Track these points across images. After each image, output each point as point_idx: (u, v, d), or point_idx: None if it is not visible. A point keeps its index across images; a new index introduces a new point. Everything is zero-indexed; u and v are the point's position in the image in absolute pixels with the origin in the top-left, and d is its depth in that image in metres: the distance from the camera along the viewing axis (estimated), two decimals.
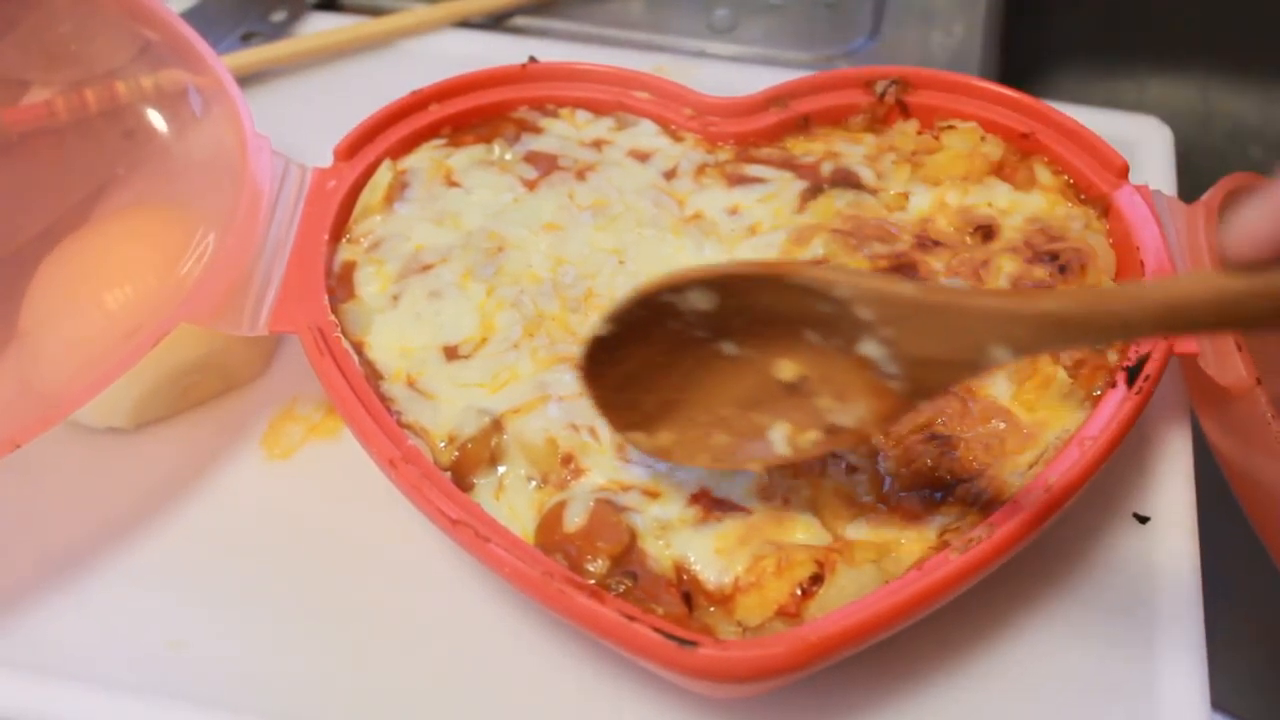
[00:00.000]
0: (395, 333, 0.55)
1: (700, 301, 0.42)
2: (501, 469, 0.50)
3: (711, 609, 0.46)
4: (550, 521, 0.48)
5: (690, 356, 0.44)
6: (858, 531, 0.48)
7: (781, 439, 0.45)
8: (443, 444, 0.51)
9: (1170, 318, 0.33)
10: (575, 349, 0.54)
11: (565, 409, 0.51)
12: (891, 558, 0.47)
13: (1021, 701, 0.49)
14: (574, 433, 0.50)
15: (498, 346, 0.54)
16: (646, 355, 0.45)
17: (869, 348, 0.40)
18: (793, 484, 0.49)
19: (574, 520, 0.47)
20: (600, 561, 0.46)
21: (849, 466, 0.50)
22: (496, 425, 0.51)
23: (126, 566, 0.54)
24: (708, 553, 0.47)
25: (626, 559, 0.47)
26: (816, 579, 0.46)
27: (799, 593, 0.45)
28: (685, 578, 0.47)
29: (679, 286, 0.42)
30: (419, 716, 0.49)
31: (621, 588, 0.46)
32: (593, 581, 0.46)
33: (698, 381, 0.45)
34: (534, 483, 0.50)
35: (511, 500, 0.49)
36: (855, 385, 0.42)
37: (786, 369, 0.43)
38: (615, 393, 0.46)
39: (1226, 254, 0.32)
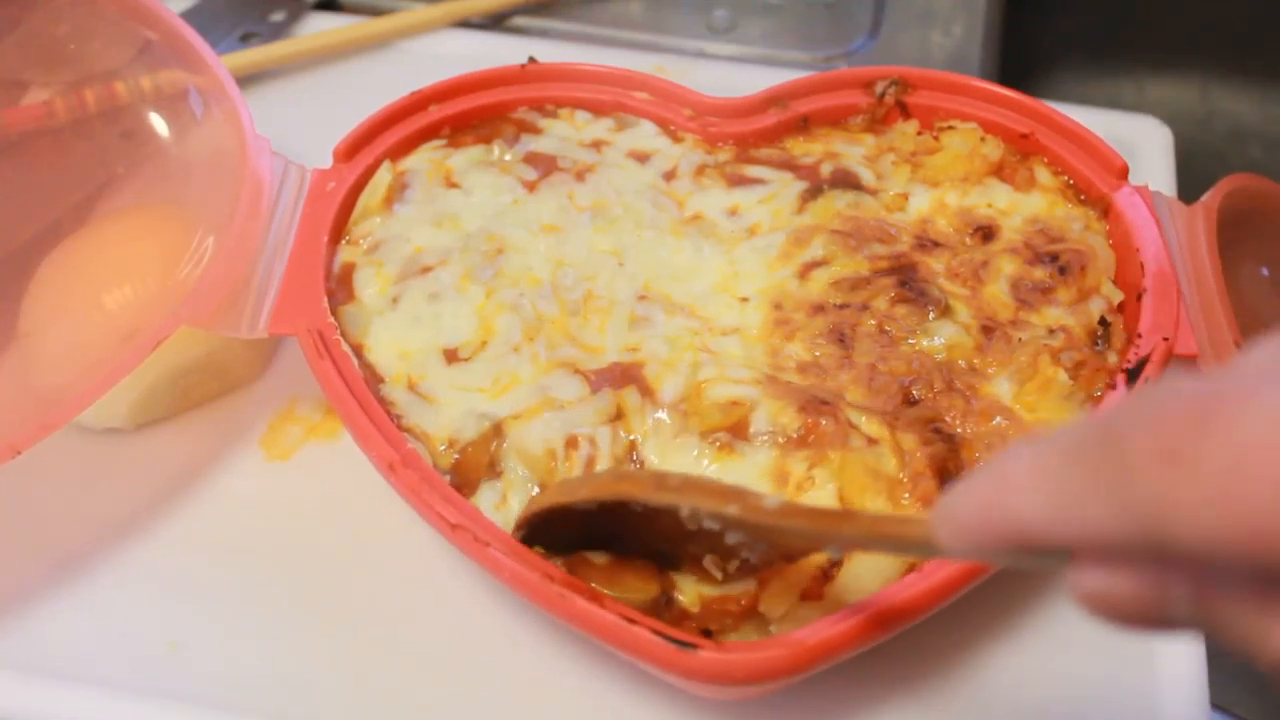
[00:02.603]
0: (394, 335, 0.55)
1: (587, 506, 0.45)
2: (502, 481, 0.50)
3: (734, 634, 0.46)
4: (582, 561, 0.48)
5: (607, 518, 0.46)
6: (876, 508, 0.48)
7: (713, 565, 0.47)
8: (442, 447, 0.51)
9: (924, 549, 0.37)
10: (575, 353, 0.54)
11: (566, 418, 0.51)
12: None
13: (1021, 702, 0.49)
14: (574, 443, 0.50)
15: (497, 350, 0.54)
16: (568, 530, 0.47)
17: (731, 538, 0.43)
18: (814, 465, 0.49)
19: (600, 558, 0.48)
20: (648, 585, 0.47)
21: (868, 439, 0.50)
22: (497, 430, 0.51)
23: (126, 566, 0.54)
24: None
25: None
26: (836, 561, 0.46)
27: (820, 574, 0.45)
28: (710, 607, 0.47)
29: (562, 506, 0.45)
30: (418, 717, 0.49)
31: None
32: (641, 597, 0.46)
33: (623, 532, 0.47)
34: (533, 493, 0.50)
35: (512, 512, 0.49)
36: (740, 545, 0.45)
37: (690, 521, 0.45)
38: (559, 553, 0.48)
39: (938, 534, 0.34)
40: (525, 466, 0.50)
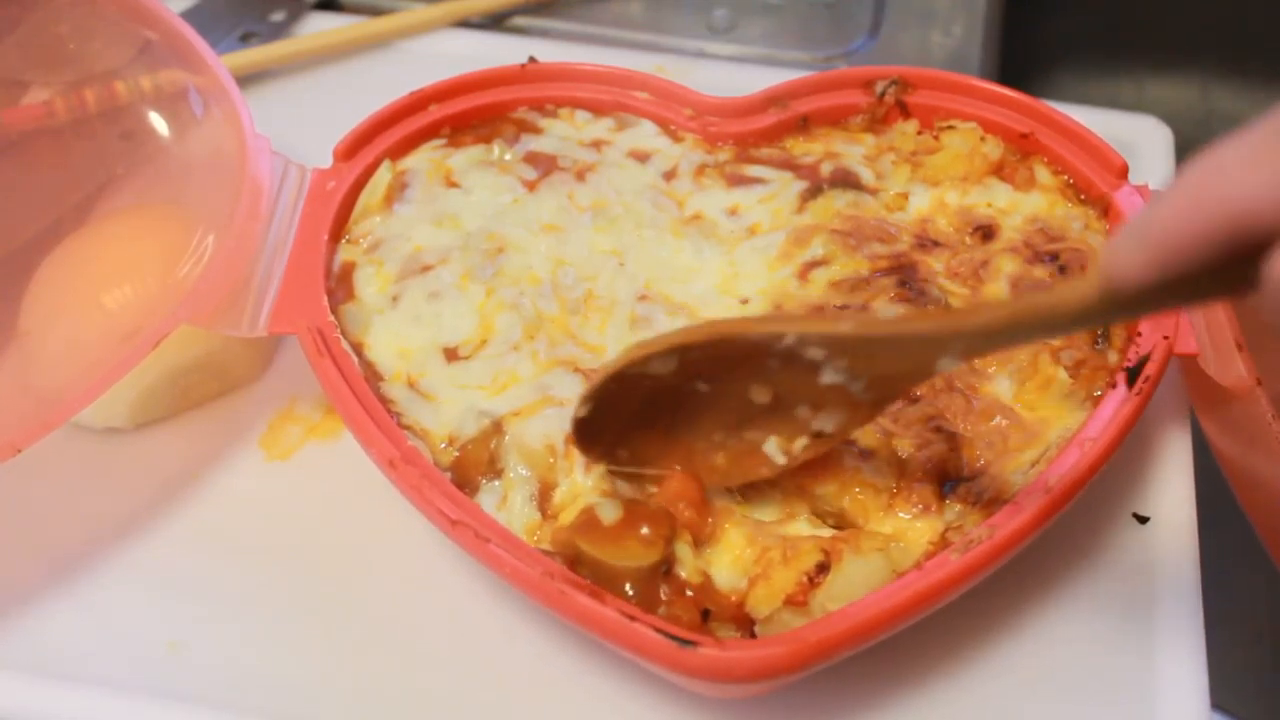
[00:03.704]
0: (394, 333, 0.55)
1: (662, 366, 0.45)
2: (502, 481, 0.50)
3: (729, 626, 0.46)
4: (589, 522, 0.48)
5: (669, 401, 0.47)
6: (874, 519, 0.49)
7: (775, 449, 0.47)
8: (443, 445, 0.51)
9: (1080, 316, 0.37)
10: (575, 351, 0.54)
11: (566, 415, 0.51)
12: (898, 546, 0.47)
13: (1021, 701, 0.49)
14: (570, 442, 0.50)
15: (497, 348, 0.54)
16: (628, 414, 0.47)
17: (829, 376, 0.43)
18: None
19: (610, 515, 0.48)
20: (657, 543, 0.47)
21: (862, 452, 0.50)
22: (497, 427, 0.51)
23: (126, 566, 0.54)
24: (725, 563, 0.47)
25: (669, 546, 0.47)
26: (823, 568, 0.46)
27: (807, 581, 0.45)
28: (706, 588, 0.47)
29: (640, 360, 0.45)
30: (418, 717, 0.49)
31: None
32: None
33: (684, 419, 0.48)
34: (534, 494, 0.49)
35: (513, 512, 0.49)
36: (826, 398, 0.45)
37: (760, 393, 0.46)
38: (612, 451, 0.49)
39: (1108, 275, 0.35)
40: (525, 463, 0.50)
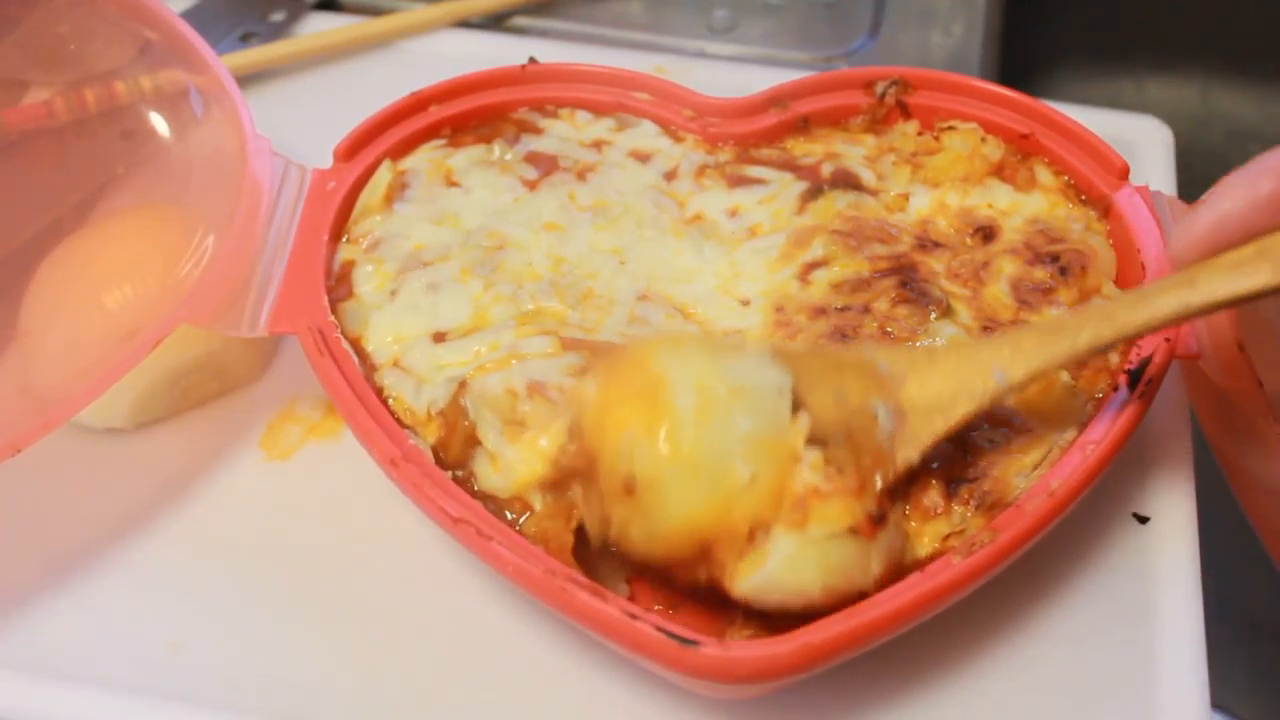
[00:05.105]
0: (391, 323, 0.55)
1: None
2: (483, 448, 0.50)
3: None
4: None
5: None
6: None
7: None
8: (426, 421, 0.51)
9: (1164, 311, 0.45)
10: (556, 325, 0.53)
11: (530, 367, 0.50)
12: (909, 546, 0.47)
13: (1021, 701, 0.49)
14: (538, 389, 0.50)
15: (486, 336, 0.54)
16: None
17: (878, 409, 0.47)
18: None
19: None
20: None
21: None
22: (463, 387, 0.51)
23: (126, 566, 0.54)
24: None
25: None
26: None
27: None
28: None
29: None
30: (419, 717, 0.49)
31: None
32: None
33: None
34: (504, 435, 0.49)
35: (508, 465, 0.49)
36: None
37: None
38: None
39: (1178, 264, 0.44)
40: (488, 409, 0.49)
